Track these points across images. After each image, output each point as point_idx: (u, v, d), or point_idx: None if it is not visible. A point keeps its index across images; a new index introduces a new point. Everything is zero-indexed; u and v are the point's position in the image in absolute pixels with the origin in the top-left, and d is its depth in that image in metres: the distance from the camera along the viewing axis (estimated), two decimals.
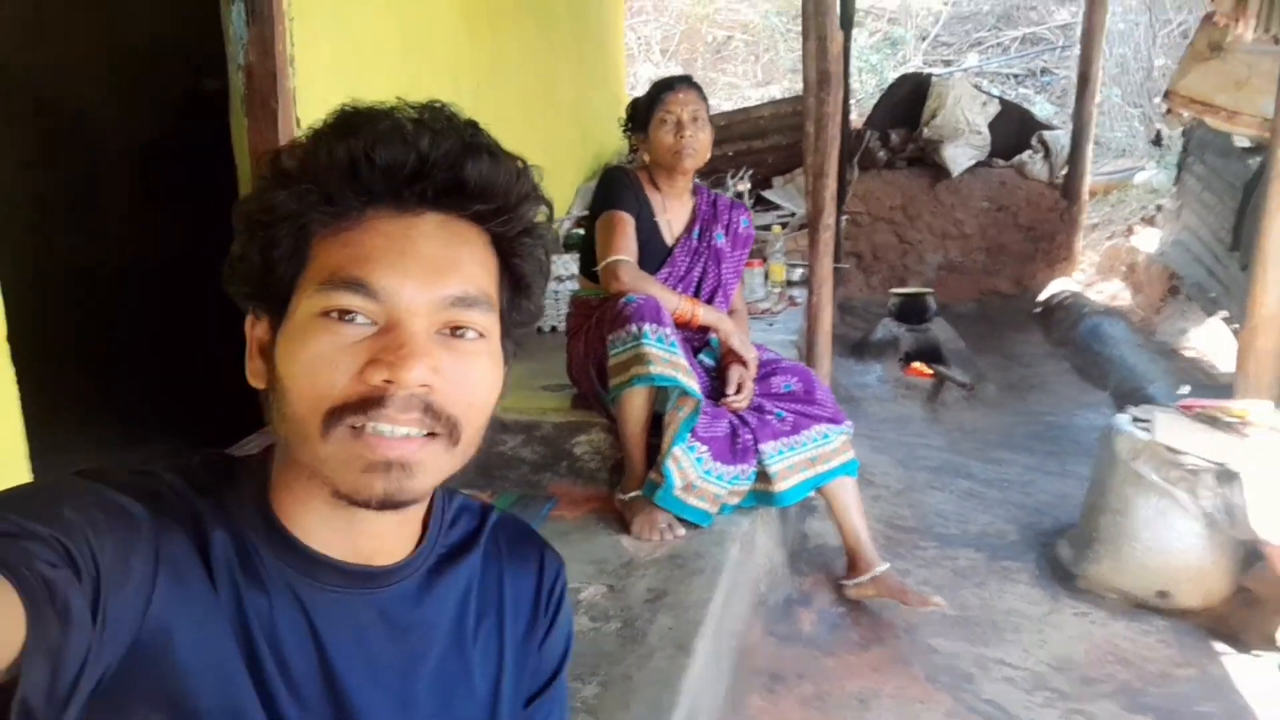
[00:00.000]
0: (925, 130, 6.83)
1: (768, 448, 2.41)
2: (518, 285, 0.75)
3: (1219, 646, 2.54)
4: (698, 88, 2.57)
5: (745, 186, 5.59)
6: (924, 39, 10.54)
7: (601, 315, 2.42)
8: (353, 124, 0.67)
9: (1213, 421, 2.75)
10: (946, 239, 6.84)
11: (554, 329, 3.60)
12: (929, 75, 7.45)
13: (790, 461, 2.43)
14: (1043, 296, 6.57)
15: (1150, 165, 7.92)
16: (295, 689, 0.68)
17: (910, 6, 10.81)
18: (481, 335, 0.70)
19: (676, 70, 9.96)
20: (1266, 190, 3.16)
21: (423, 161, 0.67)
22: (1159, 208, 6.87)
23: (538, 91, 4.91)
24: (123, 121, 4.36)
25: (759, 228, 5.28)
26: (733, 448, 2.39)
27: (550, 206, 0.75)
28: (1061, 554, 2.94)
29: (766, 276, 4.38)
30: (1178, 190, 6.29)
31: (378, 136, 0.66)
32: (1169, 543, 2.66)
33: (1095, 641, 2.56)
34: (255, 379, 0.72)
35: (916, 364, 5.08)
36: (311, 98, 2.56)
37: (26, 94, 3.97)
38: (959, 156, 6.68)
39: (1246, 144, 5.04)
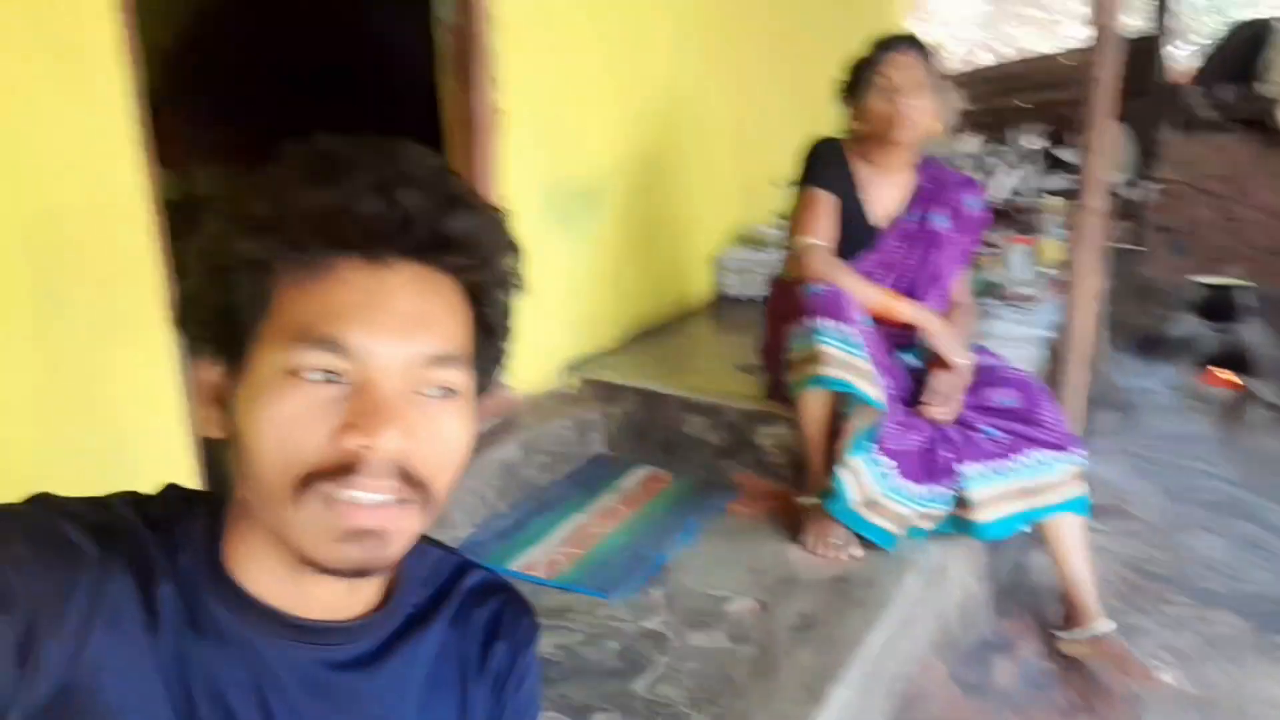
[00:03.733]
0: (1262, 87, 5.46)
1: (970, 470, 2.13)
2: (487, 332, 0.73)
3: None
4: (922, 48, 2.30)
5: (1038, 144, 4.62)
6: None
7: (790, 302, 2.25)
8: (324, 170, 0.64)
9: None
10: None
11: (759, 299, 3.27)
12: (1272, 20, 5.82)
13: (998, 490, 2.14)
14: None
15: None
16: None
17: None
18: (454, 392, 0.68)
19: (983, 10, 8.31)
20: None
21: (405, 216, 0.64)
22: None
23: (786, 39, 4.23)
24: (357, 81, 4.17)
25: (1047, 193, 4.47)
26: (927, 464, 2.14)
27: (519, 251, 0.73)
28: None
29: (1034, 255, 3.74)
30: None
31: (355, 188, 0.63)
32: None
33: None
34: (210, 428, 0.69)
35: (1218, 371, 4.33)
36: (517, 57, 2.49)
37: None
38: None
39: None
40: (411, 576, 0.77)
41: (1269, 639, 2.41)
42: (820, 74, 4.61)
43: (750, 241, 3.86)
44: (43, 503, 0.65)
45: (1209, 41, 7.49)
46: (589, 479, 2.58)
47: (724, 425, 2.61)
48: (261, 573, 0.68)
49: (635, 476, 2.59)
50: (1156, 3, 5.33)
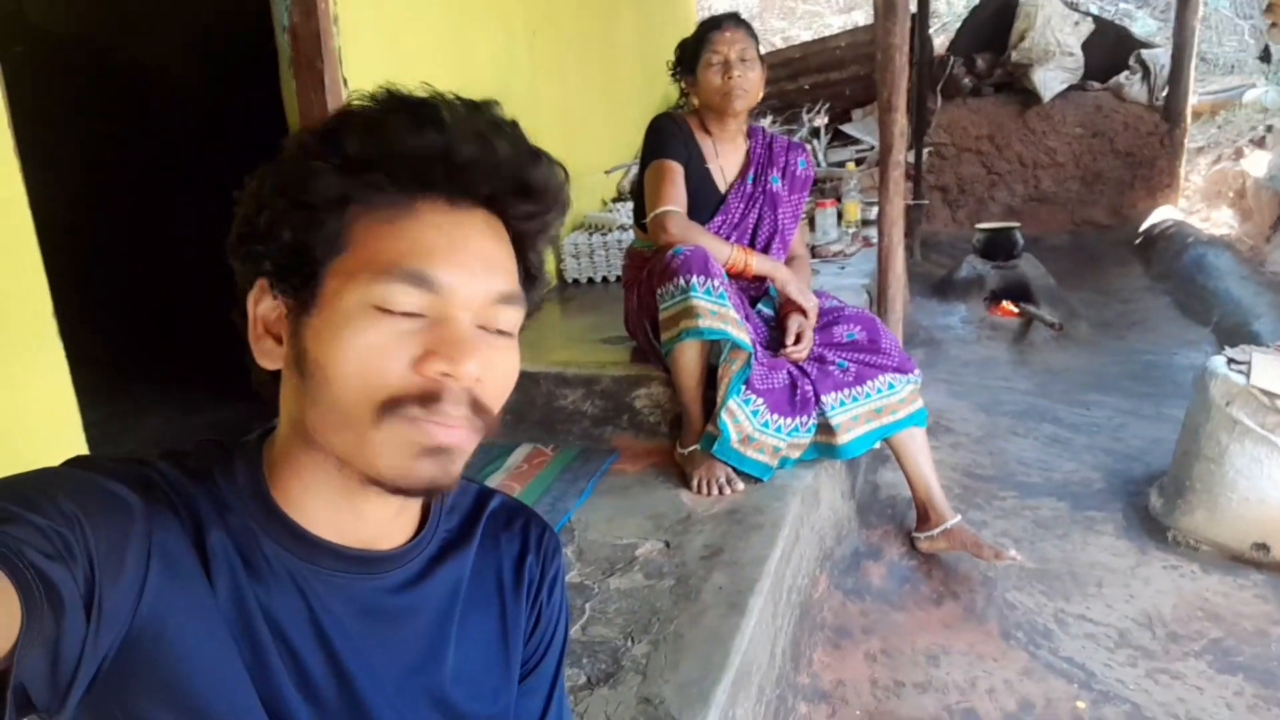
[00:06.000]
0: (1013, 54, 6.12)
1: (829, 399, 2.36)
2: (529, 278, 0.77)
3: None
4: (747, 25, 2.49)
5: (822, 121, 5.23)
6: None
7: (653, 268, 2.39)
8: (424, 114, 0.67)
9: None
10: (1037, 168, 5.71)
11: (618, 279, 3.49)
12: None
13: (853, 413, 2.38)
14: (1142, 227, 6.17)
15: (1260, 82, 7.24)
16: (302, 674, 0.69)
17: None
18: (510, 333, 0.72)
19: (750, 3, 8.98)
20: None
21: (497, 164, 0.69)
22: (1269, 128, 6.38)
23: (598, 37, 4.60)
24: (191, 85, 4.37)
25: (837, 164, 4.92)
26: (791, 399, 2.34)
27: (567, 210, 0.77)
28: (1151, 504, 2.79)
29: (840, 217, 4.21)
30: None
31: (459, 134, 0.67)
32: (1267, 492, 2.53)
33: (1185, 596, 2.42)
34: (266, 359, 0.71)
35: (1003, 303, 4.90)
36: (358, 57, 2.51)
37: (90, 57, 4.02)
38: (1050, 80, 6.28)
39: None
40: (441, 505, 0.81)
41: (1083, 514, 2.83)
42: (630, 71, 4.89)
43: (585, 227, 4.01)
44: (78, 464, 0.66)
45: (955, 18, 8.35)
46: (472, 464, 2.60)
47: (598, 394, 2.73)
48: (315, 503, 0.71)
49: (518, 455, 2.66)
50: None
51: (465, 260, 0.67)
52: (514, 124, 0.71)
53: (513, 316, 0.71)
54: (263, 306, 0.70)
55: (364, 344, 0.65)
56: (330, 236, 0.67)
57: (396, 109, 0.68)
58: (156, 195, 4.30)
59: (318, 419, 0.67)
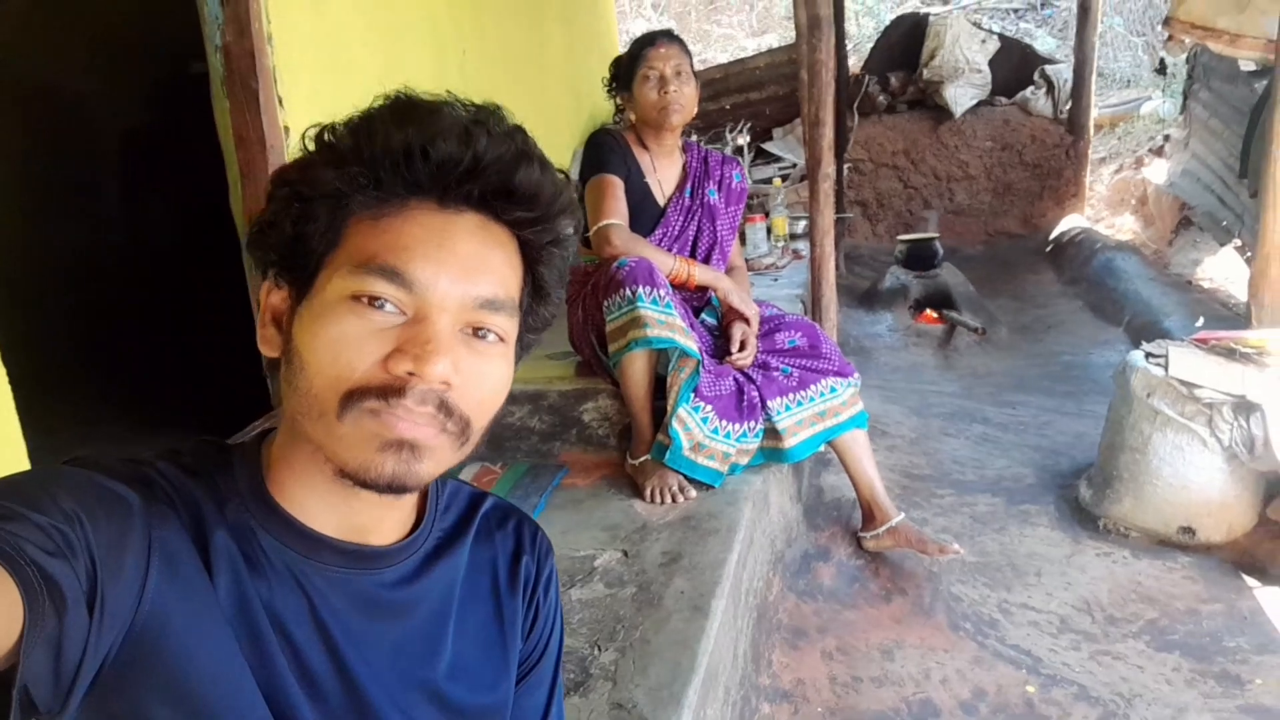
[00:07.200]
0: (925, 72, 6.45)
1: (774, 404, 2.39)
2: (538, 291, 0.76)
3: (1245, 580, 2.52)
4: (680, 41, 2.54)
5: (744, 140, 5.42)
6: None
7: (597, 281, 2.41)
8: (412, 113, 0.68)
9: (1229, 353, 2.73)
10: (952, 181, 6.05)
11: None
12: (926, 15, 7.15)
13: (798, 417, 2.42)
14: (1053, 235, 6.47)
15: (1156, 94, 7.74)
16: (304, 669, 0.69)
17: None
18: (501, 339, 0.71)
19: (669, 25, 9.32)
20: (1272, 115, 3.01)
21: (477, 162, 0.67)
22: (1167, 137, 6.67)
23: (527, 56, 4.67)
24: (110, 108, 4.26)
25: (761, 181, 5.06)
26: (739, 405, 2.37)
27: (579, 221, 0.76)
28: (1081, 495, 2.91)
29: (769, 231, 4.37)
30: (1185, 118, 6.10)
31: (437, 131, 0.67)
32: (1189, 478, 2.67)
33: (1119, 581, 2.55)
34: (266, 346, 0.72)
35: (927, 311, 5.06)
36: (292, 76, 2.48)
37: (10, 81, 3.85)
38: (960, 96, 6.57)
39: (1253, 67, 4.56)
40: (437, 504, 0.82)
41: (1017, 508, 2.93)
42: (559, 91, 4.91)
43: None
44: (76, 463, 0.66)
45: (865, 39, 8.62)
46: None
47: (545, 409, 2.73)
48: (310, 497, 0.71)
49: (466, 474, 2.59)
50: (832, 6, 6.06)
51: (445, 260, 0.67)
52: (512, 128, 0.71)
53: (503, 324, 0.71)
54: (274, 297, 0.72)
55: (338, 335, 0.66)
56: (325, 230, 0.69)
57: (388, 108, 0.69)
58: (87, 221, 4.20)
59: (297, 405, 0.68)
